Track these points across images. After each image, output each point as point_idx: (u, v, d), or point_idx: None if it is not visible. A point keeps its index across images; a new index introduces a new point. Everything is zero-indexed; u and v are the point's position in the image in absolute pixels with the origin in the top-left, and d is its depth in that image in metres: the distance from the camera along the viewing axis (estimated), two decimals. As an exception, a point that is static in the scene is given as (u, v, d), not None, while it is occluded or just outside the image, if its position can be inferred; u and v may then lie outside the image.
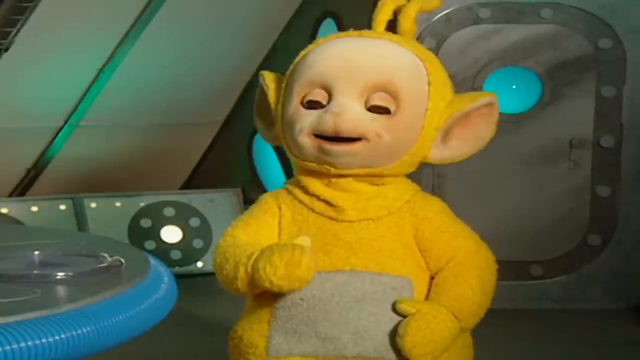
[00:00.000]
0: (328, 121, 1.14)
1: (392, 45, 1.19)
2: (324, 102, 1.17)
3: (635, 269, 2.64)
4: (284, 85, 1.24)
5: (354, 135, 1.14)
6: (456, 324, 1.14)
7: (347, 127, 1.14)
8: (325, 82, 1.17)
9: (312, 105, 1.17)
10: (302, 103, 1.18)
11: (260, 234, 1.19)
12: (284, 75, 1.27)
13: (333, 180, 1.17)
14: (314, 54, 1.20)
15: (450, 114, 1.15)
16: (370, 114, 1.15)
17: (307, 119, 1.17)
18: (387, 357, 1.11)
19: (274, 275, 1.09)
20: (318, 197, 1.17)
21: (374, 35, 1.21)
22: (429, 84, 1.16)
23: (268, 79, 1.27)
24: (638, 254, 2.64)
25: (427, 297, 1.16)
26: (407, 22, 1.21)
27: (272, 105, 1.25)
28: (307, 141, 1.16)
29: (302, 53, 1.24)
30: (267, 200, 1.22)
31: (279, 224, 1.19)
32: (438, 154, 1.17)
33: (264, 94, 1.28)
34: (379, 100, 1.14)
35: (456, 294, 1.15)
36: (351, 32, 1.23)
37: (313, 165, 1.18)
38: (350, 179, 1.17)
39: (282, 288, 1.10)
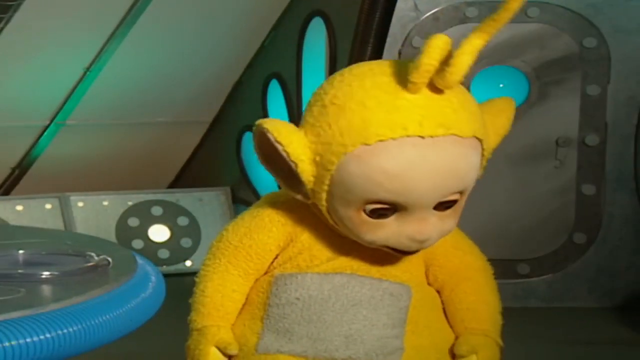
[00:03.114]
0: (413, 247, 1.06)
1: (462, 145, 1.02)
2: (391, 213, 1.04)
3: (619, 268, 2.66)
4: (326, 176, 1.03)
5: None
6: (500, 351, 1.18)
7: (431, 245, 1.08)
8: (393, 202, 1.03)
9: (378, 217, 1.04)
10: (363, 211, 1.04)
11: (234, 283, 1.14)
12: (298, 133, 1.04)
13: None
14: (383, 173, 0.99)
15: (493, 146, 1.10)
16: (441, 212, 1.06)
17: (380, 234, 1.05)
18: None
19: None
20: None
21: (450, 132, 1.01)
22: (483, 155, 1.07)
23: (295, 153, 1.03)
24: (622, 253, 2.66)
25: (422, 305, 1.15)
26: (462, 70, 1.00)
27: (308, 185, 1.06)
28: (378, 246, 1.08)
29: (357, 143, 0.99)
30: (264, 219, 1.12)
31: (279, 237, 1.13)
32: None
33: (286, 164, 1.05)
34: (451, 201, 1.06)
35: (494, 320, 1.17)
36: (422, 119, 1.00)
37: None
38: None
39: None
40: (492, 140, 1.11)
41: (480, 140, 1.06)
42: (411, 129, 1.00)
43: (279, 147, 1.05)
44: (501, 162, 2.66)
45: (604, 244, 2.66)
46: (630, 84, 2.62)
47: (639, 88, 2.63)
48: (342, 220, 1.08)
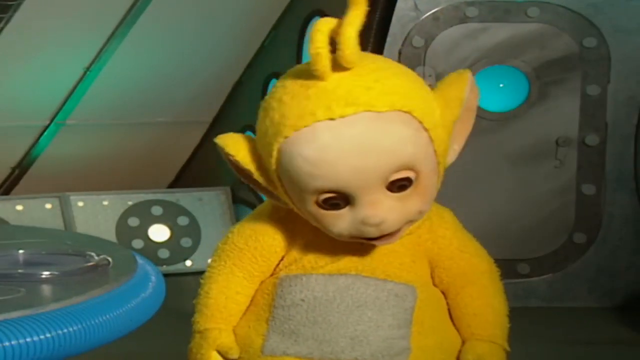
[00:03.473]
0: (372, 233, 1.05)
1: (383, 120, 1.01)
2: (344, 201, 1.04)
3: (619, 268, 2.66)
4: (275, 177, 1.06)
5: (401, 227, 1.08)
6: (506, 357, 1.18)
7: (393, 228, 1.06)
8: (336, 189, 1.02)
9: (334, 207, 1.04)
10: (318, 204, 1.05)
11: (239, 284, 1.15)
12: (252, 141, 1.07)
13: None
14: (308, 161, 1.00)
15: (450, 129, 1.08)
16: (398, 194, 1.04)
17: (339, 223, 1.05)
18: None
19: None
20: None
21: (361, 109, 1.00)
22: (427, 129, 1.05)
23: (244, 161, 1.07)
24: (622, 253, 2.66)
25: (427, 306, 1.14)
26: (350, 44, 1.00)
27: (270, 189, 1.09)
28: (349, 240, 1.08)
29: (281, 140, 1.02)
30: (270, 221, 1.13)
31: (284, 238, 1.14)
32: (451, 156, 1.12)
33: (247, 173, 1.09)
34: (400, 180, 1.04)
35: (501, 325, 1.17)
36: (330, 102, 1.00)
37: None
38: None
39: None
40: (447, 113, 1.07)
41: (409, 112, 1.03)
42: (319, 113, 1.01)
43: (231, 159, 1.08)
44: (501, 161, 2.66)
45: (604, 244, 2.65)
46: (630, 84, 2.62)
47: (639, 88, 2.62)
48: (310, 218, 1.09)
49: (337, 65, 1.03)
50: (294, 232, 1.14)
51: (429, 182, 1.08)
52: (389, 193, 1.05)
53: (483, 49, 2.62)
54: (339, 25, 1.03)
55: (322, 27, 1.02)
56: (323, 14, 3.01)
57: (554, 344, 2.31)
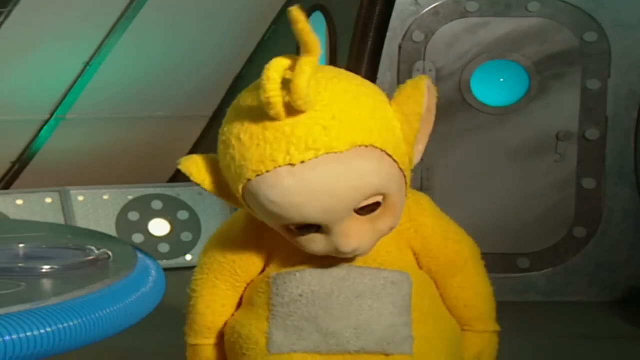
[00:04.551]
0: (347, 254, 1.06)
1: (343, 161, 0.99)
2: (315, 228, 1.04)
3: (619, 262, 2.66)
4: (242, 201, 1.05)
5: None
6: (496, 338, 1.22)
7: (367, 250, 1.07)
8: (305, 221, 1.02)
9: (305, 234, 1.04)
10: (289, 230, 1.05)
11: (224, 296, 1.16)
12: (215, 162, 1.06)
13: None
14: (274, 203, 1.00)
15: (412, 141, 1.07)
16: (368, 216, 1.04)
17: (314, 246, 1.05)
18: (389, 351, 1.11)
19: None
20: None
21: (321, 152, 0.98)
22: (390, 155, 1.03)
23: (210, 188, 1.07)
24: (622, 247, 2.66)
25: (423, 292, 1.15)
26: (302, 94, 0.96)
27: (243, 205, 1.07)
28: (322, 253, 1.08)
29: (244, 181, 1.01)
30: (247, 231, 1.13)
31: (263, 246, 1.14)
32: (417, 158, 1.11)
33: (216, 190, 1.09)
34: (369, 205, 1.03)
35: (490, 312, 1.20)
36: (289, 147, 0.98)
37: None
38: None
39: None
40: (407, 128, 1.06)
41: (371, 145, 1.01)
42: (280, 159, 0.99)
43: (199, 184, 1.09)
44: (501, 156, 2.66)
45: (604, 238, 2.66)
46: (630, 78, 2.62)
47: (639, 82, 2.62)
48: (285, 235, 1.08)
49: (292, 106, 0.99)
50: (271, 240, 1.14)
51: (398, 199, 1.07)
52: (359, 217, 1.05)
53: (483, 43, 2.62)
54: (292, 67, 0.99)
55: (273, 74, 0.97)
56: (323, 9, 3.02)
57: (554, 338, 2.31)
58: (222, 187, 1.08)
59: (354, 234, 1.05)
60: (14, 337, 0.84)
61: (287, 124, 1.00)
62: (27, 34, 2.84)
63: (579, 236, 2.66)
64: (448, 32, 2.62)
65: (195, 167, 1.09)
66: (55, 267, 1.04)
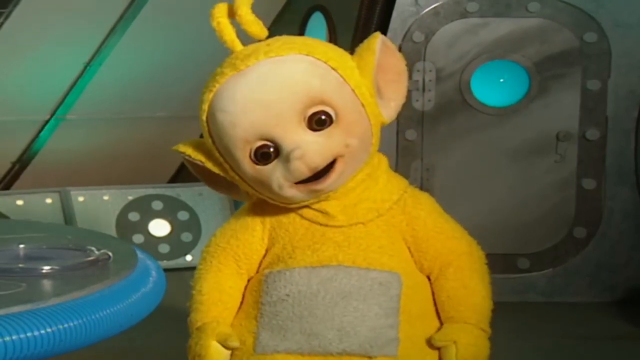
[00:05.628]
0: (300, 169, 1.09)
1: (283, 61, 1.11)
2: (272, 149, 1.11)
3: (619, 263, 2.66)
4: (216, 153, 1.15)
5: (329, 161, 1.12)
6: (485, 337, 1.16)
7: (319, 161, 1.10)
8: (259, 135, 1.10)
9: (265, 158, 1.11)
10: (252, 159, 1.12)
11: (227, 282, 1.18)
12: (201, 140, 1.18)
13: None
14: (226, 111, 1.12)
15: (370, 76, 1.14)
16: (320, 132, 1.10)
17: (275, 175, 1.11)
18: (372, 354, 1.10)
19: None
20: (307, 206, 1.16)
21: (262, 57, 1.12)
22: (335, 69, 1.12)
23: (194, 154, 1.17)
24: (622, 247, 2.66)
25: (414, 293, 1.15)
26: (248, 17, 1.17)
27: (224, 174, 1.17)
28: (294, 192, 1.12)
29: (206, 107, 1.15)
30: (247, 220, 1.19)
31: (263, 236, 1.18)
32: (388, 112, 1.16)
33: (204, 169, 1.18)
34: (316, 114, 1.10)
35: (474, 306, 1.16)
36: (235, 61, 1.15)
37: (309, 207, 1.15)
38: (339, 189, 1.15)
39: None
40: (365, 76, 1.14)
41: (311, 54, 1.12)
42: (227, 71, 1.15)
43: (185, 157, 1.18)
44: (501, 156, 2.66)
45: (604, 238, 2.66)
46: (630, 78, 2.62)
47: (639, 82, 2.62)
48: (256, 184, 1.14)
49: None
50: (269, 226, 1.17)
51: (352, 118, 1.12)
52: (310, 131, 1.11)
53: (483, 43, 2.62)
54: (234, 7, 1.18)
55: (217, 14, 1.21)
56: (323, 9, 3.02)
57: (554, 338, 2.31)
58: (217, 165, 1.16)
59: (302, 141, 1.10)
60: (14, 337, 0.84)
61: (239, 51, 1.17)
62: (27, 34, 2.84)
63: (579, 237, 2.66)
64: (448, 33, 2.62)
65: (191, 148, 1.18)
66: (56, 267, 1.04)
